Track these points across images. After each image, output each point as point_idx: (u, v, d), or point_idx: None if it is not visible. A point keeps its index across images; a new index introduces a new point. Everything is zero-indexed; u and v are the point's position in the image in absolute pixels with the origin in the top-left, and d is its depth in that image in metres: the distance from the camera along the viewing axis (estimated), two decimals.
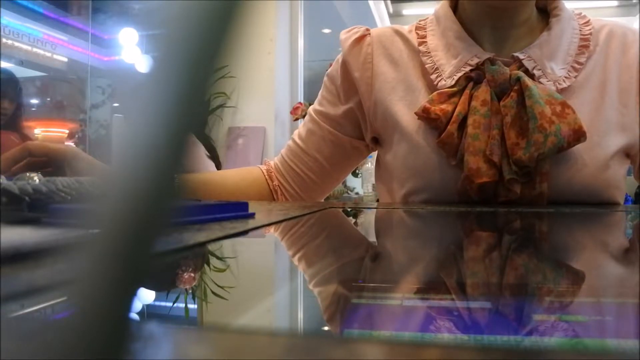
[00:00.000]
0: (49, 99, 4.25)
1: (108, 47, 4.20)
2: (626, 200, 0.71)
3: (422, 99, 0.65)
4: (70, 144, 3.81)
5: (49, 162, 0.63)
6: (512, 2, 0.64)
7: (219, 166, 1.71)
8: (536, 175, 0.60)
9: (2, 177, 0.41)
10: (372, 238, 0.43)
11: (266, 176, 0.77)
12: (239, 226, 0.36)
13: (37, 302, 0.16)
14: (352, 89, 0.72)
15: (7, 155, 0.61)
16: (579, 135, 0.58)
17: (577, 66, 0.63)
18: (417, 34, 0.70)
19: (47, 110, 4.16)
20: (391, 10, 5.23)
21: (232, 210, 0.41)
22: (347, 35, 0.73)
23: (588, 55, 0.64)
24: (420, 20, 0.73)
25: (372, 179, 2.05)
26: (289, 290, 0.22)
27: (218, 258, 0.29)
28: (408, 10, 5.25)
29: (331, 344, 0.11)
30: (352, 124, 0.73)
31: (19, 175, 0.41)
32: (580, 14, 0.69)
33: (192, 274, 0.22)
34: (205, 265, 0.27)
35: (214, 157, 1.70)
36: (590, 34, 0.66)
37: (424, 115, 0.62)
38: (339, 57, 0.73)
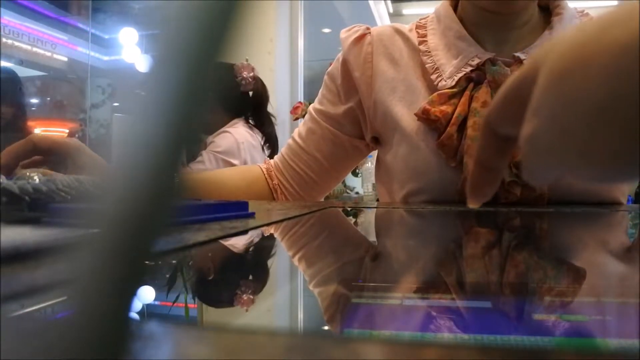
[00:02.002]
0: (49, 99, 4.24)
1: (108, 47, 4.20)
2: (627, 201, 0.71)
3: (422, 99, 0.65)
4: None
5: (52, 155, 0.64)
6: (508, 7, 0.63)
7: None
8: None
9: (2, 176, 0.41)
10: (372, 238, 0.43)
11: (266, 175, 0.77)
12: (239, 226, 0.36)
13: (37, 302, 0.16)
14: (353, 88, 0.72)
15: (11, 148, 0.62)
16: None
17: None
18: (418, 32, 0.70)
19: (47, 110, 4.15)
20: (391, 10, 5.23)
21: (232, 210, 0.41)
22: (347, 34, 0.73)
23: None
24: (420, 19, 0.73)
25: (372, 179, 2.04)
26: (289, 290, 0.22)
27: (218, 258, 0.29)
28: (408, 10, 5.24)
29: (331, 343, 0.11)
30: (352, 124, 0.73)
31: (19, 175, 0.41)
32: (583, 11, 0.69)
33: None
34: (205, 265, 0.27)
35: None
36: None
37: (424, 116, 0.62)
38: (339, 55, 0.73)
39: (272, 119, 1.73)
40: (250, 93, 1.64)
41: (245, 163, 1.50)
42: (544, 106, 0.19)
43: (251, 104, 1.66)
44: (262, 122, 1.65)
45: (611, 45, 0.16)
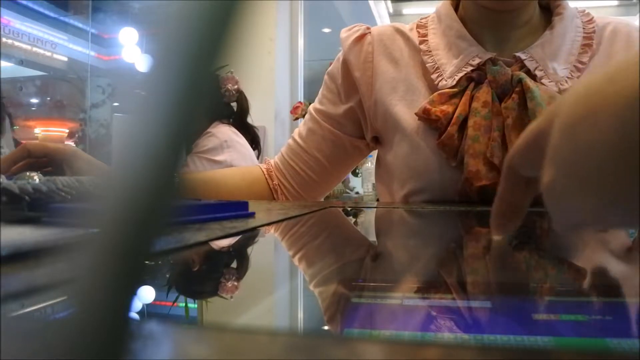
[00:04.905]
0: (49, 99, 4.25)
1: (108, 47, 4.21)
2: None
3: (423, 98, 0.65)
4: (70, 143, 3.81)
5: (48, 162, 0.64)
6: (508, 5, 0.63)
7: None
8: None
9: (2, 176, 0.41)
10: (372, 237, 0.43)
11: (266, 175, 0.77)
12: (239, 226, 0.36)
13: (37, 302, 0.16)
14: (353, 88, 0.72)
15: (6, 156, 0.62)
16: None
17: (579, 66, 0.63)
18: (419, 32, 0.70)
19: (47, 110, 4.16)
20: (391, 9, 5.23)
21: (232, 210, 0.41)
22: (347, 34, 0.72)
23: (591, 55, 0.64)
24: (421, 19, 0.73)
25: (372, 179, 2.04)
26: (289, 289, 0.22)
27: (218, 257, 0.29)
28: (408, 9, 5.25)
29: (331, 343, 0.11)
30: (353, 124, 0.73)
31: (19, 175, 0.41)
32: (584, 11, 0.68)
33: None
34: (205, 265, 0.27)
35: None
36: (594, 31, 0.65)
37: (424, 116, 0.62)
38: (340, 55, 0.73)
39: (254, 128, 1.73)
40: (234, 104, 1.66)
41: (231, 159, 1.50)
42: (558, 155, 0.20)
43: (231, 115, 1.67)
44: (241, 131, 1.66)
45: (616, 93, 0.17)
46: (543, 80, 0.61)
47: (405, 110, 0.67)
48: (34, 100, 4.16)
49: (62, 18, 4.06)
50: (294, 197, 0.77)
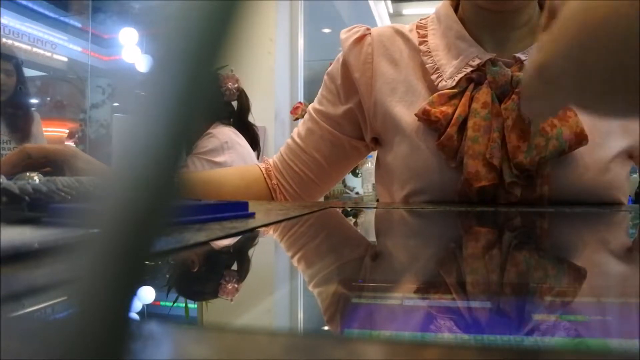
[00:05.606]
0: (49, 99, 4.25)
1: (108, 47, 4.21)
2: (627, 201, 0.70)
3: (423, 99, 0.65)
4: (70, 143, 3.81)
5: (48, 163, 0.64)
6: (507, 5, 0.63)
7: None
8: (537, 178, 0.60)
9: (2, 177, 0.41)
10: (372, 238, 0.43)
11: (265, 175, 0.77)
12: (239, 226, 0.36)
13: (37, 302, 0.16)
14: (352, 89, 0.72)
15: (6, 158, 0.62)
16: (580, 138, 0.58)
17: None
18: (418, 33, 0.70)
19: (47, 110, 4.16)
20: (391, 10, 5.23)
21: (232, 210, 0.41)
22: (347, 35, 0.73)
23: None
24: (421, 19, 0.73)
25: (372, 179, 2.05)
26: (289, 290, 0.22)
27: (218, 258, 0.29)
28: (408, 10, 5.25)
29: (331, 343, 0.11)
30: (352, 124, 0.73)
31: (19, 175, 0.41)
32: None
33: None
34: (205, 265, 0.27)
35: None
36: None
37: (424, 117, 0.62)
38: (339, 56, 0.73)
39: (254, 128, 1.71)
40: (234, 103, 1.64)
41: (231, 160, 1.48)
42: (564, 35, 0.19)
43: (232, 114, 1.65)
44: (241, 130, 1.64)
45: None
46: None
47: (404, 111, 0.67)
48: (34, 101, 4.16)
49: (62, 18, 4.07)
50: (292, 196, 0.77)
